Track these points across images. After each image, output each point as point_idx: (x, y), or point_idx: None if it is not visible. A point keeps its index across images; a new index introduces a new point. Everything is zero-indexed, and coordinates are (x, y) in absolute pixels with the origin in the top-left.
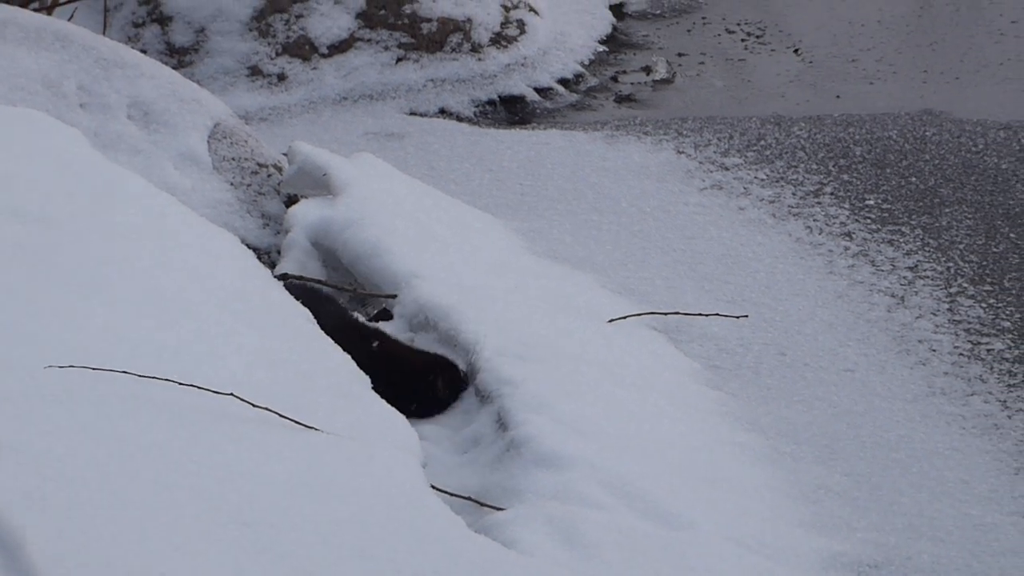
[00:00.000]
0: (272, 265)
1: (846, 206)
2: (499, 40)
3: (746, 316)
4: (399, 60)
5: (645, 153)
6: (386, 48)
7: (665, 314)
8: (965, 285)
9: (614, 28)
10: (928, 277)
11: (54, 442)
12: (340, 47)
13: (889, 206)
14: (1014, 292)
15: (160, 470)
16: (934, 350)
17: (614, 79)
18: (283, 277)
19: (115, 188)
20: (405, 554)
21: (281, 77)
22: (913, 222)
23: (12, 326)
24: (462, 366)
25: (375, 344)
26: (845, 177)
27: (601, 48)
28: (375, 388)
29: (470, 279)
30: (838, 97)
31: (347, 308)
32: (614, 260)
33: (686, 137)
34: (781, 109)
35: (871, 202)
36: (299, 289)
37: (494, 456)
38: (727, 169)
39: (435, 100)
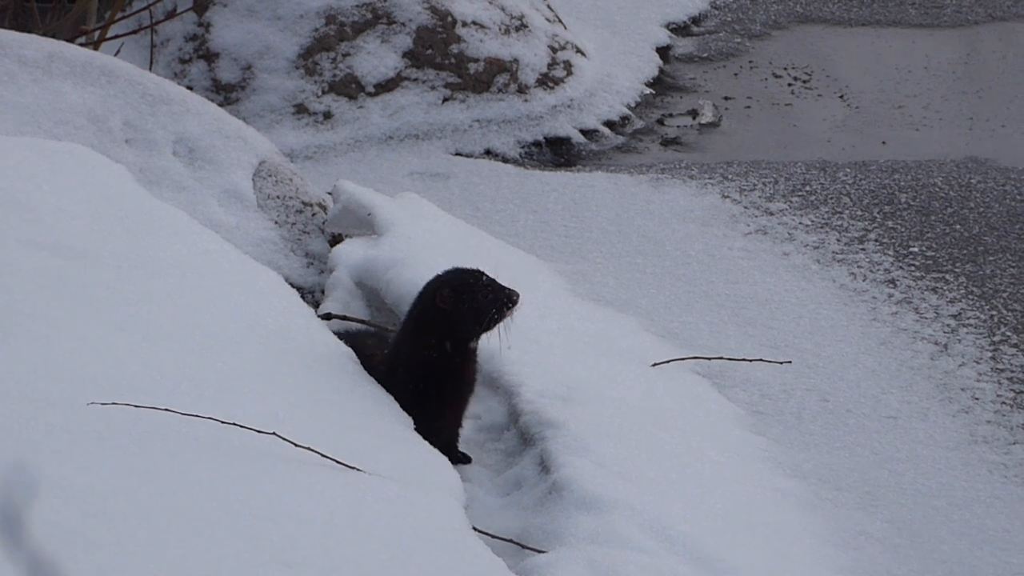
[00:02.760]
0: (316, 304)
1: (890, 253)
2: (546, 81)
3: (789, 362)
4: (445, 100)
5: (690, 197)
6: (432, 88)
7: (709, 359)
8: (1008, 334)
9: (661, 71)
10: (971, 325)
11: (96, 479)
12: (386, 86)
13: (933, 253)
14: None
15: (202, 509)
16: (977, 398)
17: (660, 122)
18: (327, 317)
19: (159, 225)
20: None
21: (327, 115)
22: (957, 270)
23: (55, 362)
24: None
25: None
26: (890, 224)
27: (647, 91)
28: None
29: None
30: (884, 143)
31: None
32: (658, 304)
33: (731, 181)
34: (827, 154)
35: (915, 249)
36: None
37: (536, 498)
38: (772, 214)
39: (481, 140)
